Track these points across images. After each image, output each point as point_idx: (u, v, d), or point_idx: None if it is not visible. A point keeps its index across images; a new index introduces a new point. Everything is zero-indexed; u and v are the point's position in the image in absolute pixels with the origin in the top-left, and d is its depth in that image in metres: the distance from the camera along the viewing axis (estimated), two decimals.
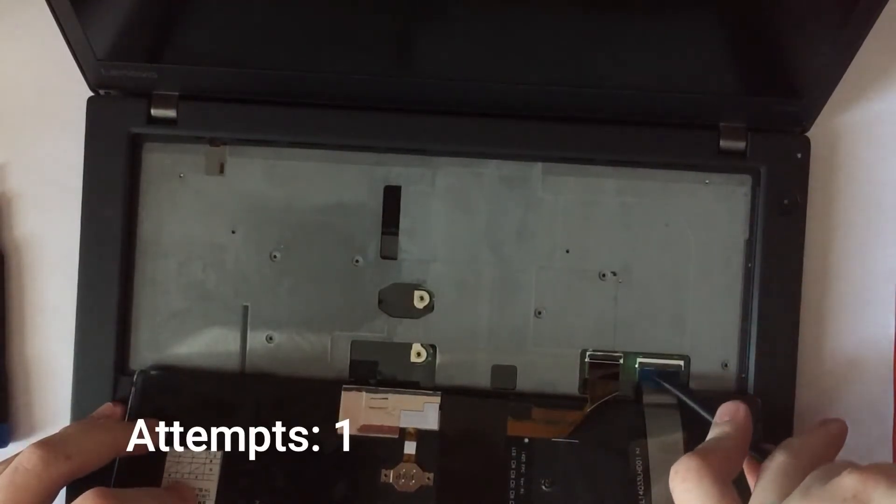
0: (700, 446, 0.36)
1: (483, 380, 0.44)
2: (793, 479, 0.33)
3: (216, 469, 0.40)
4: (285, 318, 0.44)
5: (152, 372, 0.43)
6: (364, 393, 0.42)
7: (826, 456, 0.35)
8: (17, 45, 0.45)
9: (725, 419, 0.37)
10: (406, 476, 0.40)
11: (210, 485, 0.40)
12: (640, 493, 0.40)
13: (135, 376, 0.42)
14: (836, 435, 0.37)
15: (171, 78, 0.42)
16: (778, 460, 0.34)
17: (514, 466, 0.41)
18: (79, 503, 0.35)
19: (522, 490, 0.40)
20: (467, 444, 0.41)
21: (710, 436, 0.37)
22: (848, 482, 0.30)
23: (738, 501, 0.33)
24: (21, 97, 0.45)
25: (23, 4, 0.44)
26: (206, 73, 0.42)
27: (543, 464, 0.41)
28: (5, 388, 0.44)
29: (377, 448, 0.41)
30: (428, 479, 0.40)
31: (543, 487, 0.40)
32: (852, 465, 0.31)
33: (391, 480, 0.40)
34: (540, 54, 0.40)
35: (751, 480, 0.37)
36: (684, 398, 0.41)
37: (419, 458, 0.41)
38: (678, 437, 0.41)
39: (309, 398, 0.42)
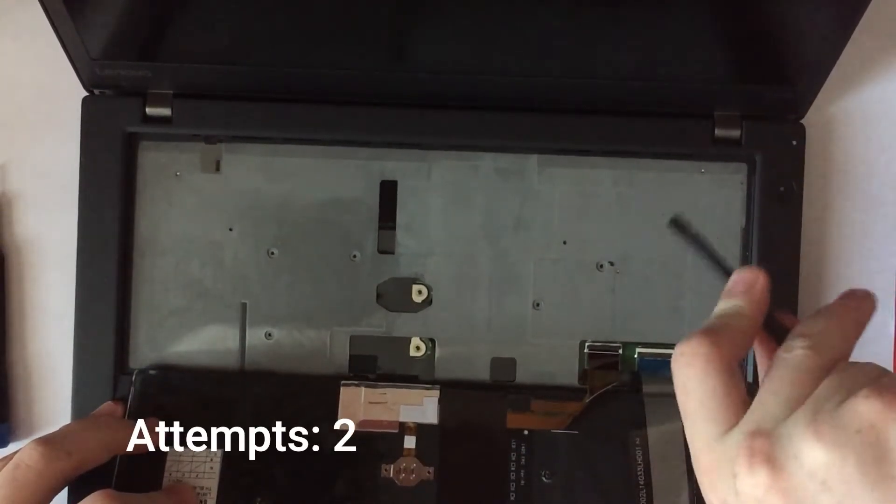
0: (709, 324, 0.30)
1: (482, 372, 0.44)
2: (806, 384, 0.28)
3: (217, 467, 0.40)
4: (284, 315, 0.44)
5: (151, 371, 0.43)
6: (363, 388, 0.42)
7: (848, 347, 0.30)
8: (17, 44, 0.45)
9: (740, 289, 0.31)
10: (406, 470, 0.40)
11: (211, 483, 0.40)
12: (641, 483, 0.40)
13: (133, 376, 0.43)
14: (863, 313, 0.31)
15: (166, 76, 0.42)
16: (793, 355, 0.29)
17: (513, 458, 0.41)
18: (86, 503, 0.36)
19: (523, 482, 0.40)
20: (467, 437, 0.41)
21: (720, 307, 0.31)
22: (865, 409, 0.25)
23: (745, 400, 0.28)
24: (21, 97, 0.45)
25: (23, 4, 0.44)
26: (200, 70, 0.42)
27: (543, 455, 0.41)
28: (5, 387, 0.44)
29: (377, 443, 0.41)
30: (428, 472, 0.40)
31: (543, 479, 0.41)
32: (871, 380, 0.26)
33: (391, 475, 0.40)
34: (534, 46, 0.40)
35: (760, 361, 0.33)
36: (703, 252, 0.34)
37: (419, 453, 0.41)
38: (678, 426, 0.41)
39: (308, 395, 0.42)
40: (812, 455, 0.25)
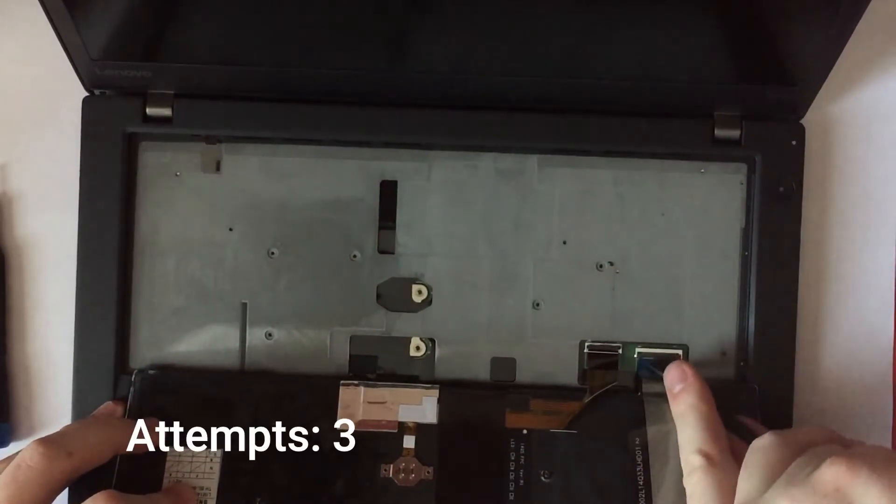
0: (685, 443, 0.37)
1: (482, 372, 0.44)
2: (779, 464, 0.32)
3: (216, 467, 0.40)
4: (284, 315, 0.44)
5: (150, 371, 0.43)
6: (362, 388, 0.42)
7: (815, 440, 0.34)
8: (18, 44, 0.45)
9: (678, 385, 0.38)
10: (406, 470, 0.40)
11: (211, 483, 0.40)
12: (640, 483, 0.40)
13: (133, 376, 0.43)
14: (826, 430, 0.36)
15: (166, 76, 0.42)
16: (765, 442, 0.34)
17: (513, 458, 0.41)
18: (22, 458, 0.36)
19: (522, 482, 0.40)
20: (466, 436, 0.41)
21: (677, 413, 0.38)
22: (829, 474, 0.29)
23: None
24: (22, 97, 0.45)
25: (24, 4, 0.44)
26: (200, 70, 0.42)
27: (542, 455, 0.41)
28: (6, 387, 0.44)
29: (376, 443, 0.41)
30: (427, 472, 0.40)
31: (543, 479, 0.41)
32: (838, 451, 0.30)
33: (391, 475, 0.41)
34: (534, 46, 0.40)
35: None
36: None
37: (418, 452, 0.41)
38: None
39: (307, 395, 0.42)
40: None
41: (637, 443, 0.41)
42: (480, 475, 0.41)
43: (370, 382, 0.42)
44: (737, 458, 0.36)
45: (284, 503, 0.40)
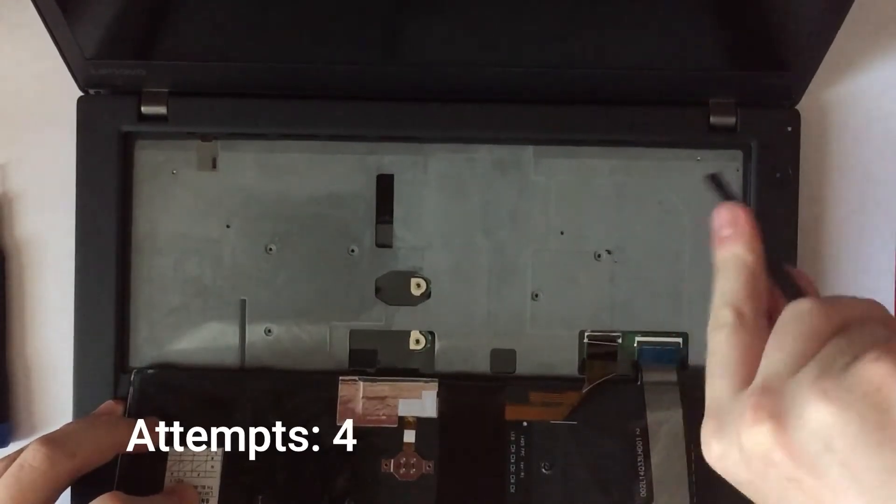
0: (726, 290, 0.30)
1: (483, 364, 0.44)
2: (813, 341, 0.27)
3: (218, 466, 0.40)
4: (283, 311, 0.44)
5: (149, 371, 0.43)
6: (361, 383, 0.42)
7: (860, 313, 0.28)
8: (18, 44, 0.45)
9: (727, 231, 0.31)
10: (406, 465, 0.40)
11: (212, 482, 0.40)
12: (641, 473, 0.40)
13: (132, 375, 0.43)
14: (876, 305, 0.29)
15: (160, 74, 0.42)
16: (802, 308, 0.28)
17: (513, 451, 0.41)
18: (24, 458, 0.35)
19: (523, 474, 0.40)
20: (466, 430, 0.41)
21: (719, 260, 0.31)
22: (872, 372, 0.24)
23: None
24: (22, 97, 0.45)
25: (25, 3, 0.44)
26: (194, 68, 0.42)
27: (543, 447, 0.41)
28: (6, 387, 0.44)
29: (376, 438, 0.41)
30: (428, 467, 0.40)
31: (543, 470, 0.41)
32: (884, 336, 0.26)
33: (392, 470, 0.40)
34: (527, 37, 0.40)
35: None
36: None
37: (419, 447, 0.41)
38: (678, 415, 0.41)
39: (307, 392, 0.42)
40: (816, 415, 0.25)
41: (637, 432, 0.41)
42: (481, 468, 0.41)
43: (369, 378, 0.42)
44: (772, 319, 0.30)
45: (286, 501, 0.40)
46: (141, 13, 0.40)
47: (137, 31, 0.41)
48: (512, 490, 0.40)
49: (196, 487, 0.40)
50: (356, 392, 0.42)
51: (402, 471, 0.40)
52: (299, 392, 0.42)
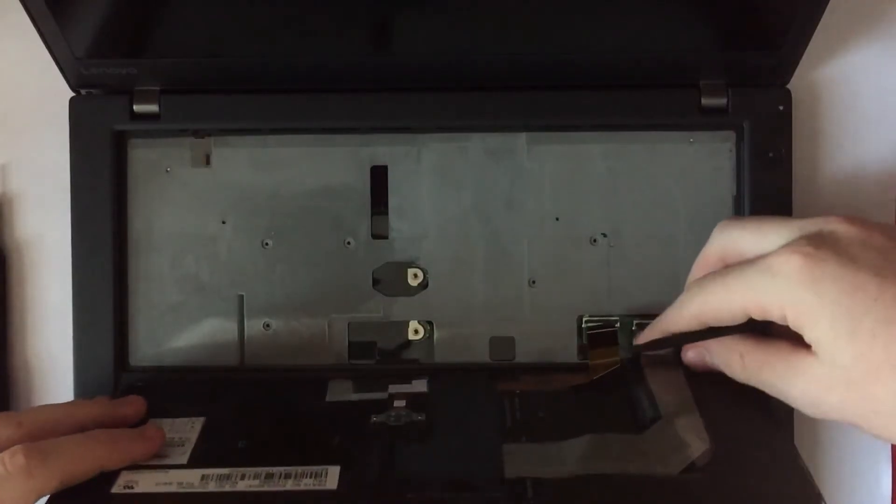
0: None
1: (482, 352, 0.44)
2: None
3: (198, 425, 0.39)
4: (281, 305, 0.44)
5: (144, 372, 0.43)
6: (351, 382, 0.42)
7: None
8: (17, 44, 0.45)
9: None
10: (397, 418, 0.39)
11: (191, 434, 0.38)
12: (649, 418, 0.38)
13: (129, 374, 0.43)
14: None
15: (152, 72, 0.42)
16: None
17: (507, 407, 0.40)
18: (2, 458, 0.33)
19: (518, 414, 0.39)
20: (457, 402, 0.41)
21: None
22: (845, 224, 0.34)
23: None
24: (22, 97, 0.45)
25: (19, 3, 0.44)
26: (186, 65, 0.42)
27: (538, 401, 0.40)
28: (6, 387, 0.44)
29: (366, 406, 0.40)
30: (419, 417, 0.39)
31: (539, 414, 0.39)
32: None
33: (382, 420, 0.39)
34: (517, 23, 0.40)
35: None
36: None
37: (409, 406, 0.40)
38: (687, 395, 0.40)
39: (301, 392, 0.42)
40: (847, 232, 0.34)
41: (642, 394, 0.40)
42: (474, 416, 0.40)
43: (360, 375, 0.42)
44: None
45: (268, 447, 0.38)
46: (130, 11, 0.40)
47: (127, 30, 0.41)
48: (508, 425, 0.39)
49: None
50: (346, 390, 0.42)
51: (393, 420, 0.39)
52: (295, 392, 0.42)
